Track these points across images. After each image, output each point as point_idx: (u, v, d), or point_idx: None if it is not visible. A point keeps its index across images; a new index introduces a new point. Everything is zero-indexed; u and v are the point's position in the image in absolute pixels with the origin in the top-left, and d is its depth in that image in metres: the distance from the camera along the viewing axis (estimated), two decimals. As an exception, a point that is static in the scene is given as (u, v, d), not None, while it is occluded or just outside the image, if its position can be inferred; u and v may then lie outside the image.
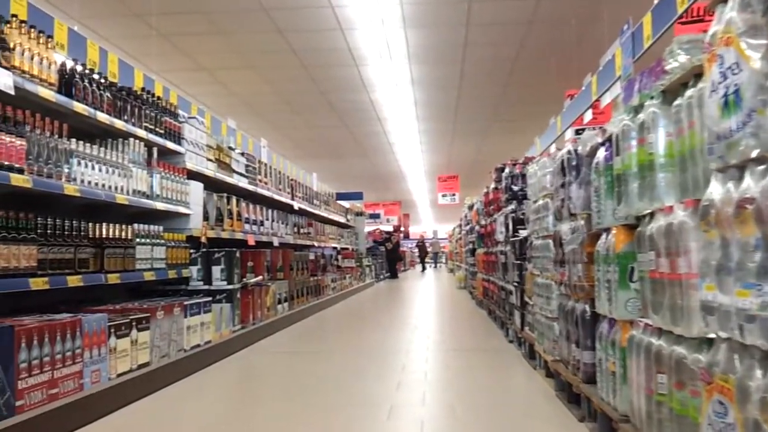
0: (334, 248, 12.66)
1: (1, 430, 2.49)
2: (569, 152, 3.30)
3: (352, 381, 4.21)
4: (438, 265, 34.52)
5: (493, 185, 7.15)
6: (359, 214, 17.64)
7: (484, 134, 15.80)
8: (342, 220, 14.12)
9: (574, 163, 3.23)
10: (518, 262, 5.11)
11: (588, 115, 7.24)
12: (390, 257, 20.44)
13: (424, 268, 28.20)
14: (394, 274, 20.32)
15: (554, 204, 3.63)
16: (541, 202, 4.08)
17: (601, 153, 2.78)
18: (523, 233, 4.91)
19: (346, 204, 16.64)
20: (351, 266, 13.38)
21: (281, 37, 8.79)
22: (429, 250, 30.80)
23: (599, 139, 2.95)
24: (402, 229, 29.14)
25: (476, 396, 3.79)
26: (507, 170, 6.00)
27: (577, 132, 8.26)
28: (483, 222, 8.39)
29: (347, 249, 14.26)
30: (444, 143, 16.98)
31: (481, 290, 8.86)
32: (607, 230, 2.65)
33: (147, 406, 3.55)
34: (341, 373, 4.51)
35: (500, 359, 4.99)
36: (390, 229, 24.34)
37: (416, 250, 31.25)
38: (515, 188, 5.61)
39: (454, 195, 21.01)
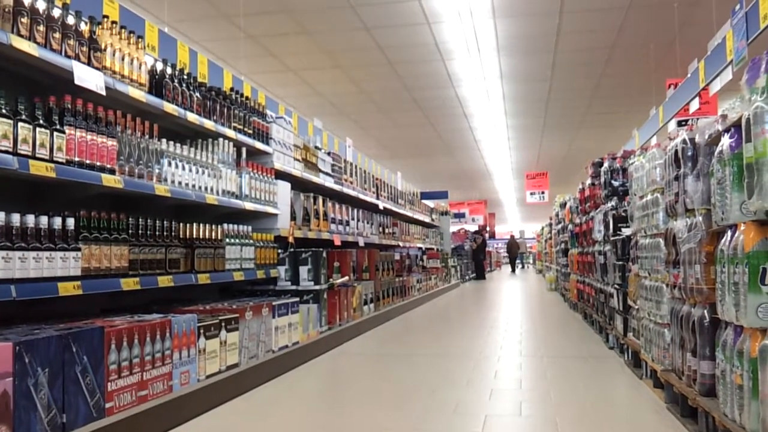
0: (419, 248, 12.50)
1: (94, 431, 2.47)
2: (684, 141, 2.99)
3: (442, 387, 4.02)
4: (525, 265, 33.70)
5: (589, 181, 6.78)
6: (444, 213, 17.41)
7: (577, 128, 15.22)
8: (427, 219, 13.94)
9: (689, 153, 2.92)
10: (620, 262, 4.77)
11: (693, 105, 6.77)
12: (476, 257, 20.07)
13: (513, 269, 27.53)
14: (480, 275, 19.95)
15: (666, 199, 3.32)
16: (649, 197, 3.76)
17: (726, 140, 2.48)
18: (626, 231, 4.58)
19: (430, 203, 16.45)
20: (436, 267, 13.17)
21: (367, 34, 8.71)
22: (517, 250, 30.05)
23: (719, 126, 2.65)
24: (488, 228, 28.62)
25: (578, 408, 3.53)
26: (606, 164, 5.65)
27: (680, 123, 7.76)
28: (577, 220, 8.01)
29: (432, 249, 14.06)
30: (533, 139, 16.50)
31: (575, 293, 8.47)
32: (734, 227, 2.36)
33: (236, 407, 3.50)
34: (430, 378, 4.34)
35: (601, 367, 4.68)
36: (475, 228, 23.96)
37: (504, 250, 30.60)
38: (616, 183, 5.26)
39: (543, 193, 20.41)
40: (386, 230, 9.42)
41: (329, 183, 6.79)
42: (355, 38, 8.86)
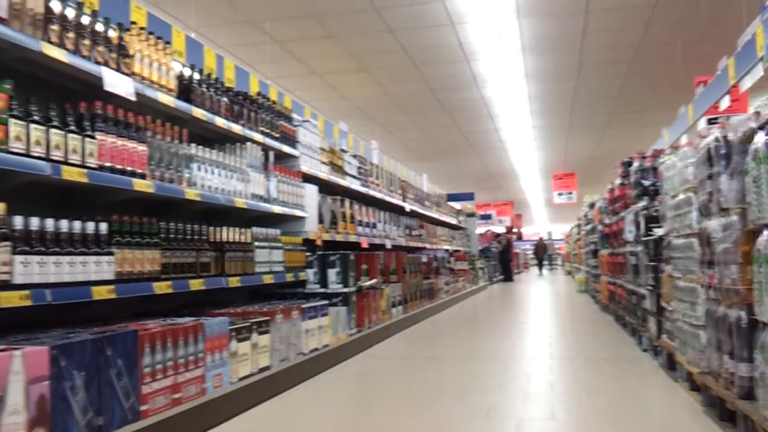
0: (446, 250, 12.45)
1: (127, 435, 2.49)
2: (716, 139, 2.93)
3: (472, 390, 3.99)
4: (553, 267, 33.37)
5: (618, 181, 6.70)
6: (470, 215, 17.32)
7: (603, 128, 15.06)
8: (453, 221, 13.89)
9: (722, 151, 2.87)
10: (652, 263, 4.70)
11: (724, 103, 6.66)
12: (502, 259, 19.93)
13: (541, 271, 27.28)
14: (508, 277, 19.81)
15: (699, 198, 3.26)
16: (682, 196, 3.70)
17: (761, 138, 2.42)
18: (658, 232, 4.51)
19: (457, 205, 16.39)
20: (464, 269, 13.11)
21: (391, 36, 8.71)
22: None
23: (753, 124, 2.59)
24: (515, 230, 28.41)
25: (612, 411, 3.48)
26: (636, 164, 5.58)
27: (710, 121, 7.63)
28: (607, 221, 7.91)
29: (459, 251, 14.00)
30: (559, 139, 16.36)
31: (605, 294, 8.37)
32: (771, 226, 2.31)
33: (268, 410, 3.51)
34: (461, 381, 4.31)
35: (634, 370, 4.61)
36: (502, 230, 23.80)
37: (531, 251, 30.33)
38: (646, 183, 5.19)
39: (570, 193, 20.21)
40: (413, 232, 9.40)
41: (355, 186, 6.80)
42: (380, 41, 8.87)
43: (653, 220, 4.80)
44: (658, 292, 4.55)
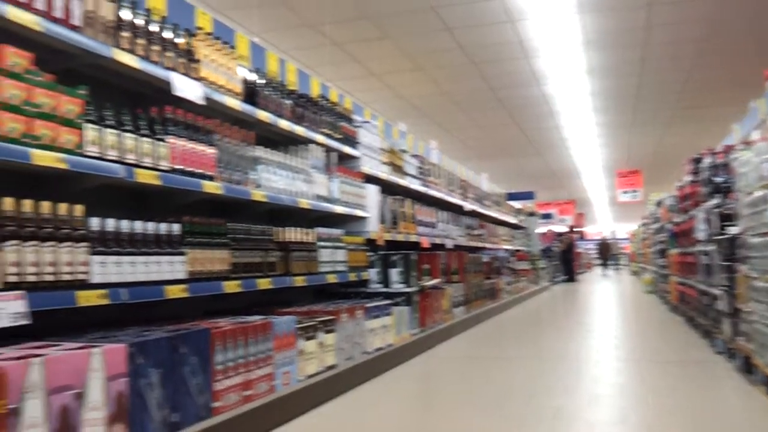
0: (507, 250, 12.30)
1: (201, 431, 2.55)
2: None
3: (538, 392, 3.92)
4: (618, 267, 32.55)
5: (688, 178, 6.47)
6: (531, 214, 17.06)
7: (666, 124, 14.60)
8: (513, 221, 13.72)
9: (806, 144, 2.73)
10: (726, 263, 4.52)
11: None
12: (565, 258, 19.55)
13: (605, 271, 26.64)
14: (571, 277, 19.42)
15: (779, 194, 3.12)
16: (758, 193, 3.54)
17: None
18: (732, 230, 4.33)
19: (517, 204, 16.17)
20: (525, 269, 12.92)
21: (449, 35, 8.67)
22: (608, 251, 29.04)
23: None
24: (577, 229, 27.83)
25: (684, 415, 3.36)
26: (706, 160, 5.38)
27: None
28: (676, 219, 7.66)
29: (520, 251, 13.82)
30: (622, 136, 15.94)
31: (675, 295, 8.10)
32: None
33: (335, 408, 3.53)
34: (526, 382, 4.25)
35: (708, 373, 4.44)
36: (564, 229, 23.35)
37: (595, 251, 29.65)
38: (718, 180, 4.99)
39: (635, 191, 19.67)
40: (473, 232, 9.33)
41: (415, 185, 6.79)
42: (437, 40, 8.84)
43: (726, 218, 4.61)
44: (733, 293, 4.37)
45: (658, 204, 10.89)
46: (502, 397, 3.79)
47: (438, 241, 7.25)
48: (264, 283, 3.59)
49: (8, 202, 2.27)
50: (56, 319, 2.58)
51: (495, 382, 4.28)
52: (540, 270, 15.14)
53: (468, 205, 9.22)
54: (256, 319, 3.23)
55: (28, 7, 2.46)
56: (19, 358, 1.96)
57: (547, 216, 23.69)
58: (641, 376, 4.39)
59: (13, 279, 2.24)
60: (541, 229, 20.08)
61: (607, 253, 27.19)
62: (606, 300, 12.30)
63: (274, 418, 3.08)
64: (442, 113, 13.08)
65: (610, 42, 9.17)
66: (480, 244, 9.73)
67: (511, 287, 10.77)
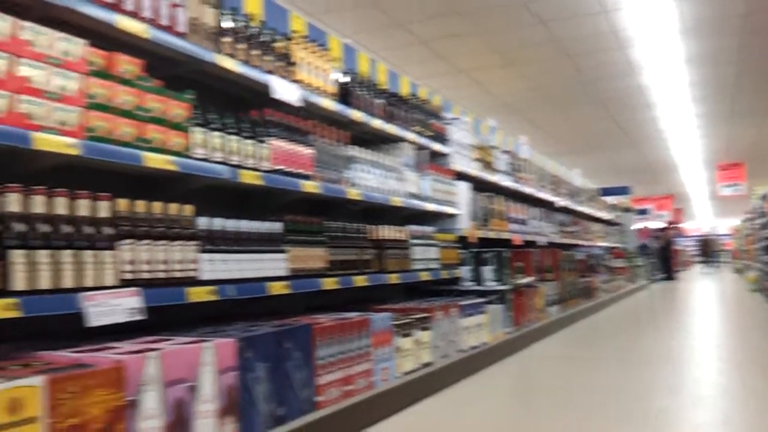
0: (602, 247, 11.92)
1: (305, 424, 2.60)
2: None
3: (639, 393, 3.77)
4: (718, 264, 30.94)
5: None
6: (626, 210, 16.47)
7: (766, 114, 13.75)
8: (608, 217, 13.28)
9: None
10: None
11: None
12: (663, 256, 18.75)
13: (706, 269, 25.38)
14: (669, 275, 18.61)
15: None
16: None
17: None
18: None
19: (612, 200, 15.65)
20: (621, 266, 12.48)
21: (540, 28, 8.49)
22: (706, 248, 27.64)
23: None
24: (676, 225, 26.63)
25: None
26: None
27: None
28: (787, 212, 7.19)
29: (615, 248, 13.36)
30: (721, 127, 15.12)
31: (786, 292, 7.61)
32: None
33: (433, 406, 3.53)
34: (625, 383, 4.09)
35: (828, 375, 4.15)
36: (661, 225, 22.40)
37: (694, 248, 28.31)
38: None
39: (738, 185, 18.62)
40: (566, 229, 9.09)
41: (506, 182, 6.69)
42: (527, 33, 8.67)
43: None
44: None
45: (763, 198, 10.27)
46: (603, 398, 3.67)
47: (530, 238, 7.11)
48: (360, 281, 3.63)
49: (123, 203, 2.40)
50: (166, 314, 2.70)
51: (594, 382, 4.16)
52: (637, 268, 14.59)
53: (560, 201, 9.00)
54: (354, 315, 3.27)
55: (135, 16, 2.59)
56: (135, 353, 2.06)
57: (643, 212, 22.78)
58: (743, 378, 4.15)
59: (128, 276, 2.37)
60: (637, 226, 19.34)
61: (708, 249, 25.89)
62: (707, 299, 11.70)
63: (374, 414, 3.11)
64: (533, 109, 12.82)
65: (707, 30, 8.72)
66: (574, 242, 9.47)
67: (607, 285, 10.44)
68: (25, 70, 2.12)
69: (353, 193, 3.72)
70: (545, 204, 8.31)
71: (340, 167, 3.68)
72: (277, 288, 2.96)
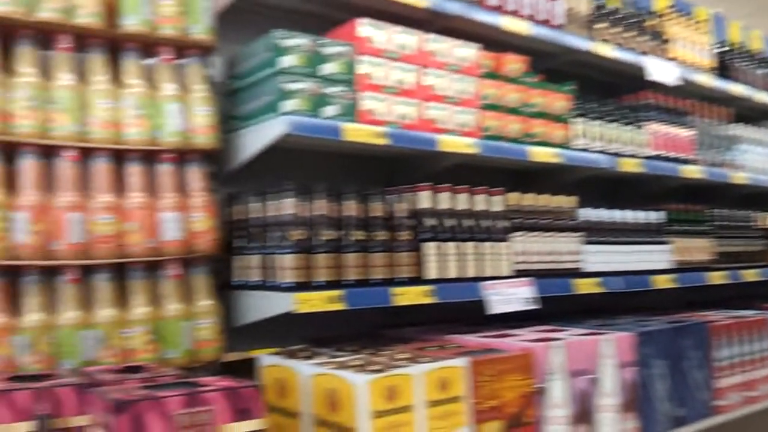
0: None
1: (706, 429, 2.42)
2: None
3: None
4: None
5: None
6: None
7: None
8: None
9: None
10: None
11: None
12: None
13: None
14: None
15: None
16: None
17: None
18: None
19: None
20: None
21: None
22: None
23: None
24: None
25: None
26: None
27: None
28: None
29: None
30: None
31: None
32: None
33: None
34: None
35: None
36: None
37: None
38: None
39: None
40: None
41: None
42: None
43: None
44: None
45: None
46: None
47: None
48: (749, 275, 3.26)
49: (513, 197, 2.49)
50: (546, 305, 2.73)
51: None
52: None
53: None
54: (750, 314, 2.94)
55: (516, 15, 2.66)
56: (537, 341, 2.12)
57: None
58: None
59: (520, 267, 2.45)
60: None
61: None
62: None
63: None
64: None
65: None
66: None
67: None
68: (430, 78, 2.33)
69: (738, 177, 3.35)
70: None
71: (722, 149, 3.35)
72: (662, 281, 2.80)
